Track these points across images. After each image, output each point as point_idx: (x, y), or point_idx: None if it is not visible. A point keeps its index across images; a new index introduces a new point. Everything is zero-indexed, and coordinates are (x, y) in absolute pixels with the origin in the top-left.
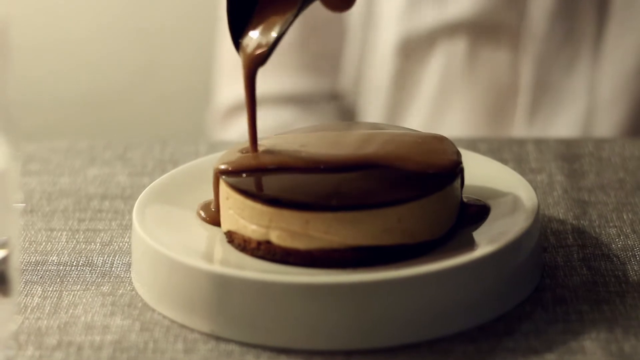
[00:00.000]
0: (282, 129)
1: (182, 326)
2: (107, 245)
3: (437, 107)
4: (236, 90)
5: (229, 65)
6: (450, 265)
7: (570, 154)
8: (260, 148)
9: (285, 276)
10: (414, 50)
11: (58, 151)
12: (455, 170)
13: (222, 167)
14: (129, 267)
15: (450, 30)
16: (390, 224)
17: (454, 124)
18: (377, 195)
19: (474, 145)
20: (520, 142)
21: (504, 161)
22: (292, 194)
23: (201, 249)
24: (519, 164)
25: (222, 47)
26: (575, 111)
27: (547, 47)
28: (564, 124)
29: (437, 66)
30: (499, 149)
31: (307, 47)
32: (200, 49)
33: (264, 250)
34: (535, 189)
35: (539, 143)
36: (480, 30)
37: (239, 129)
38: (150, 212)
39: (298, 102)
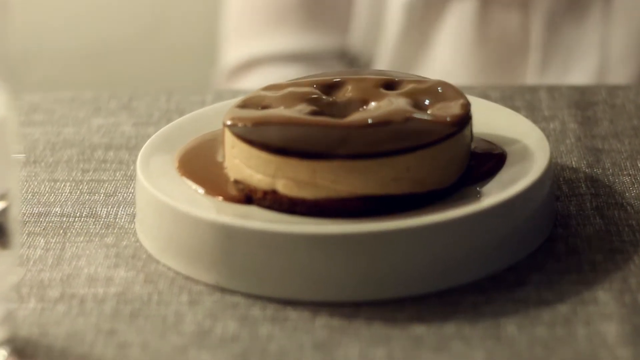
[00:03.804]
0: None
1: (187, 278)
2: (111, 196)
3: (447, 66)
4: (242, 50)
5: (235, 24)
6: (460, 214)
7: (584, 102)
8: (267, 97)
9: (291, 226)
10: (424, 10)
11: (62, 101)
12: (464, 117)
13: (229, 122)
14: (133, 218)
15: None
16: (399, 172)
17: (465, 81)
18: (385, 144)
19: (485, 93)
20: (533, 90)
21: (516, 109)
22: (299, 143)
23: (206, 199)
24: (532, 112)
25: (229, 5)
26: (587, 67)
27: (556, 5)
28: (575, 79)
29: (447, 27)
30: (511, 96)
31: (313, 4)
32: (208, 0)
33: (270, 200)
34: (547, 136)
35: (552, 90)
36: None
37: (245, 87)
38: (155, 162)
39: (304, 60)
